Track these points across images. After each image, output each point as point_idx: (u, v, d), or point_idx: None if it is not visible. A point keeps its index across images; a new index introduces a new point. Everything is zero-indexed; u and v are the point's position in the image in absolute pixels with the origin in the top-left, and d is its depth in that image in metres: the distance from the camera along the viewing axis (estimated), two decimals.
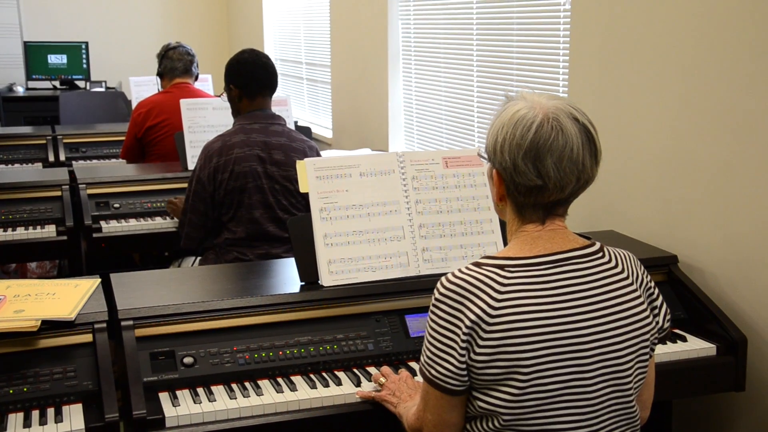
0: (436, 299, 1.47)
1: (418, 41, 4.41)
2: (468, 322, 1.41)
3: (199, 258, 3.31)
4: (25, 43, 7.08)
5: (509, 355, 1.41)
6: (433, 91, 4.30)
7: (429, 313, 1.49)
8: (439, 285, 1.47)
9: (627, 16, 2.70)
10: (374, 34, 4.73)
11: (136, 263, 4.39)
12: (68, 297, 2.02)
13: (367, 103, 4.93)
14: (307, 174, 2.19)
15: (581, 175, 1.45)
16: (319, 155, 3.16)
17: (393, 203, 2.22)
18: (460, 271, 1.46)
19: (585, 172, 1.45)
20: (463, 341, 1.42)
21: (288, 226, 2.22)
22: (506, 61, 3.58)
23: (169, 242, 3.66)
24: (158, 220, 3.63)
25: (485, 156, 1.52)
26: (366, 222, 2.20)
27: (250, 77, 3.09)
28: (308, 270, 2.17)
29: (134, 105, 5.14)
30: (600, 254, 1.51)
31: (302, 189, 2.20)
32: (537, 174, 1.43)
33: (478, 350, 1.42)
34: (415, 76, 4.47)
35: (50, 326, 1.89)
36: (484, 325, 1.41)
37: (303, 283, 2.18)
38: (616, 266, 1.51)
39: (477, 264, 1.46)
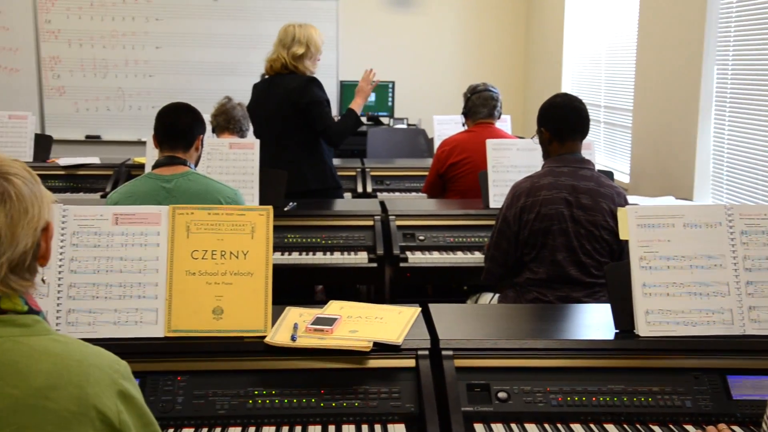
0: None
1: (735, 86, 4.20)
2: None
3: (497, 295, 3.39)
4: (341, 82, 7.75)
5: None
6: (750, 140, 4.06)
7: None
8: None
9: None
10: (685, 78, 4.57)
11: (428, 294, 4.58)
12: (394, 322, 2.17)
13: (671, 150, 4.77)
14: (629, 221, 2.17)
15: None
16: (627, 202, 3.11)
17: (718, 257, 2.14)
18: None
19: None
20: None
21: (605, 272, 2.22)
22: None
23: (469, 276, 3.79)
24: (459, 254, 3.77)
25: None
26: (688, 274, 2.13)
27: (562, 121, 3.12)
28: (624, 318, 2.15)
29: (436, 142, 5.38)
30: None
31: (622, 236, 2.19)
32: None
33: None
34: (729, 124, 4.25)
35: (378, 348, 2.04)
36: None
37: (617, 331, 2.16)
38: None
39: None
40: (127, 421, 1.35)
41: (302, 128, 4.24)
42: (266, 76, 4.41)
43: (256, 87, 4.45)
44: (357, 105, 4.38)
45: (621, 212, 2.20)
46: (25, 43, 7.61)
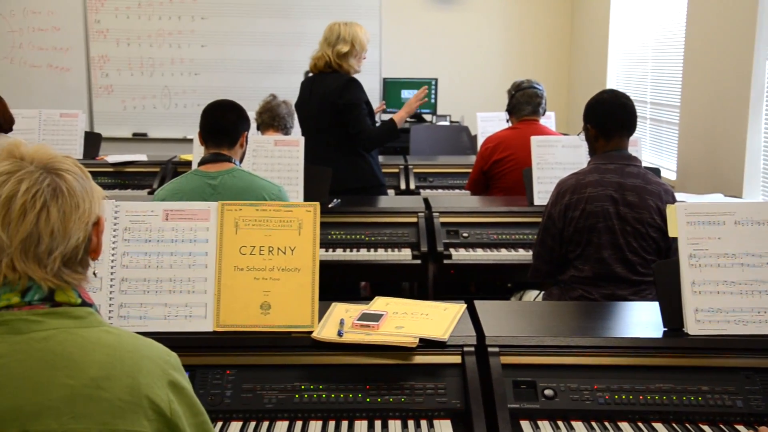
0: None
1: None
2: None
3: (542, 292, 3.37)
4: (383, 79, 7.76)
5: None
6: None
7: None
8: None
9: None
10: (735, 73, 4.49)
11: (471, 291, 4.57)
12: (439, 319, 2.17)
13: (720, 147, 4.69)
14: (678, 218, 2.14)
15: None
16: (674, 199, 3.07)
17: None
18: None
19: None
20: None
21: (653, 270, 2.20)
22: None
23: (512, 274, 3.77)
24: (503, 251, 3.75)
25: None
26: (739, 272, 2.10)
27: (608, 118, 3.08)
28: (673, 316, 2.13)
29: (480, 139, 5.36)
30: None
31: (671, 233, 2.17)
32: None
33: None
34: None
35: (424, 344, 2.05)
36: None
37: (666, 329, 2.14)
38: None
39: None
40: (178, 411, 1.37)
41: (340, 127, 4.26)
42: (310, 74, 4.44)
43: (302, 85, 4.50)
44: (399, 118, 4.37)
45: (670, 209, 2.18)
46: (76, 42, 7.76)
